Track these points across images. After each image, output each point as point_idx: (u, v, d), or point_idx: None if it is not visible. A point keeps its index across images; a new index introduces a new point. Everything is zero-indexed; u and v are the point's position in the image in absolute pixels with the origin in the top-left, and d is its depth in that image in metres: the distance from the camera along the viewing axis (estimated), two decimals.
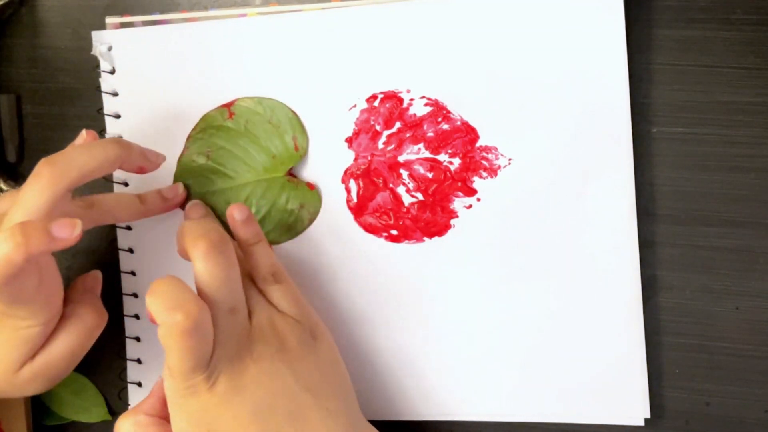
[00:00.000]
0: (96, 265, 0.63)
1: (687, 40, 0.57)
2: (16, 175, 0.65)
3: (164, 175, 0.61)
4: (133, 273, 0.62)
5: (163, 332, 0.46)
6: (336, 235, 0.59)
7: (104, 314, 0.56)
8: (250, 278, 0.55)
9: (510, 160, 0.57)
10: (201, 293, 0.49)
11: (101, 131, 0.62)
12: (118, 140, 0.54)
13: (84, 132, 0.56)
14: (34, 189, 0.49)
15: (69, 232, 0.46)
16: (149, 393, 0.55)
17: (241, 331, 0.50)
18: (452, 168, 0.58)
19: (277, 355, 0.51)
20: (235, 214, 0.55)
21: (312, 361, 0.52)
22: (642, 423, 0.57)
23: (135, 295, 0.62)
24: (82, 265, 0.64)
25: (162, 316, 0.46)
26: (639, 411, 0.56)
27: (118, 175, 0.62)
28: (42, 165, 0.50)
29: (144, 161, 0.55)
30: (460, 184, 0.58)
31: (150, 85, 0.62)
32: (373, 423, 0.57)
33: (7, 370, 0.52)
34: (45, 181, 0.50)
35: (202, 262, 0.49)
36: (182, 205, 0.60)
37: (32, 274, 0.49)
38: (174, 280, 0.48)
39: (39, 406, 0.63)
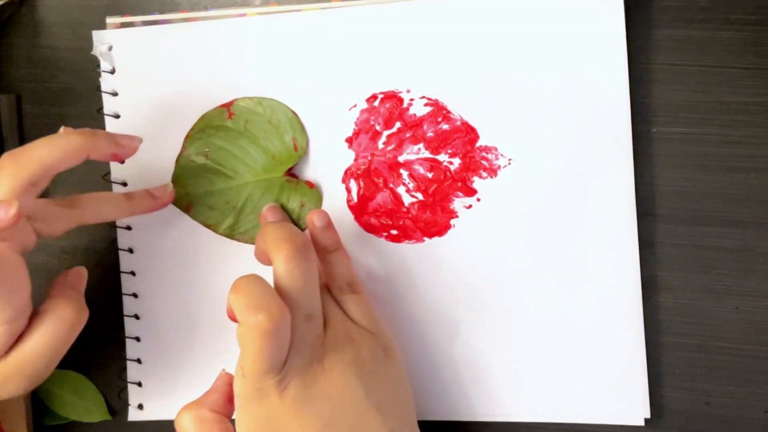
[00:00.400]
0: (96, 265, 0.63)
1: (687, 40, 0.57)
2: None
3: (163, 175, 0.61)
4: (132, 273, 0.62)
5: (243, 331, 0.46)
6: None
7: (84, 310, 0.53)
8: (325, 287, 0.55)
9: (510, 160, 0.57)
10: (280, 297, 0.48)
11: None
12: (83, 130, 0.53)
13: (62, 128, 0.55)
14: None
15: (2, 212, 0.46)
16: (212, 388, 0.53)
17: (315, 339, 0.50)
18: (452, 168, 0.58)
19: (350, 367, 0.50)
20: (315, 220, 0.55)
21: (383, 377, 0.51)
22: (642, 423, 0.57)
23: (135, 295, 0.62)
24: (81, 265, 0.63)
25: (244, 315, 0.46)
26: (639, 411, 0.56)
27: (116, 175, 0.62)
28: (4, 158, 0.50)
29: (116, 147, 0.55)
30: (460, 184, 0.58)
31: (150, 85, 0.62)
32: None
33: None
34: (5, 173, 0.49)
35: (284, 266, 0.49)
36: (184, 206, 0.60)
37: None
38: (258, 278, 0.48)
39: (39, 406, 0.63)
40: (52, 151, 0.51)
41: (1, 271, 0.49)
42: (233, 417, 0.51)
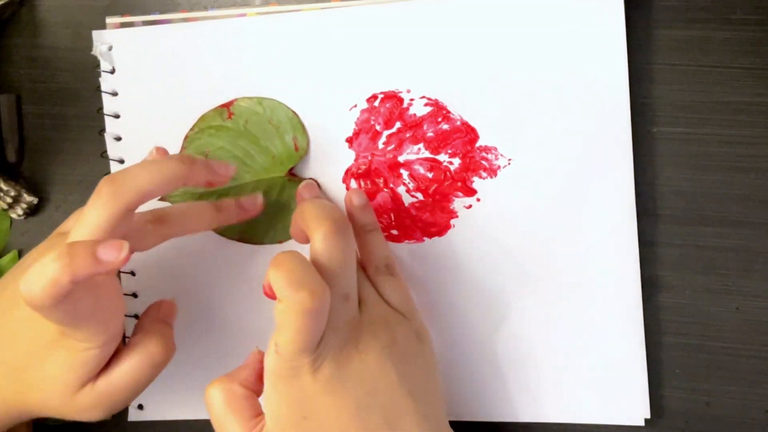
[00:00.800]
0: None
1: (687, 40, 0.57)
2: (16, 175, 0.65)
3: None
4: (132, 273, 0.62)
5: (283, 308, 0.45)
6: None
7: (172, 348, 0.54)
8: (362, 268, 0.54)
9: (510, 160, 0.57)
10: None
11: (101, 131, 0.62)
12: (182, 157, 0.52)
13: (154, 149, 0.55)
14: (94, 208, 0.49)
15: (115, 254, 0.45)
16: (244, 364, 0.52)
17: (351, 320, 0.49)
18: (452, 168, 0.58)
19: (385, 351, 0.49)
20: (354, 199, 0.54)
21: (416, 363, 0.51)
22: (642, 423, 0.57)
23: (134, 295, 0.62)
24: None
25: (285, 292, 0.45)
26: (639, 411, 0.56)
27: None
28: (102, 183, 0.49)
29: (211, 175, 0.53)
30: (459, 184, 0.58)
31: (150, 84, 0.62)
32: None
33: (64, 392, 0.51)
34: (103, 200, 0.48)
35: (323, 243, 0.48)
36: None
37: (87, 294, 0.47)
38: (299, 255, 0.46)
39: None
40: (150, 179, 0.50)
41: (102, 296, 0.49)
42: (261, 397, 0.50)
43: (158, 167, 0.50)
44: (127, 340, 0.56)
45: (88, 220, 0.48)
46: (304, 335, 0.45)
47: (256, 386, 0.51)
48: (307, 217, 0.49)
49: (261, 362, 0.51)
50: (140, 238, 0.53)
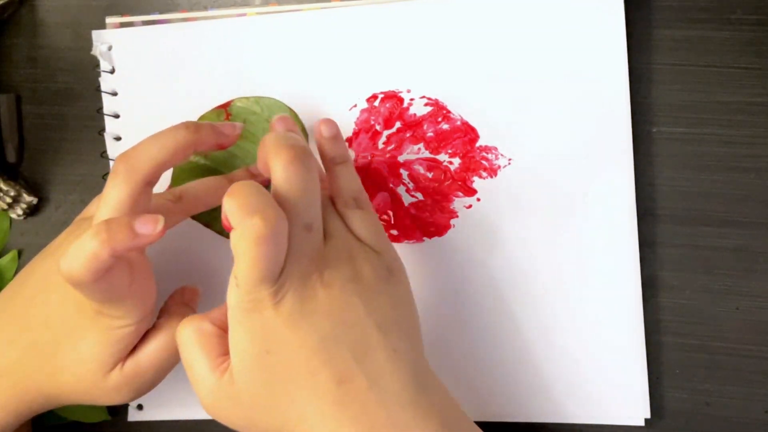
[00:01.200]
0: None
1: (687, 40, 0.57)
2: (16, 175, 0.65)
3: (164, 175, 0.61)
4: None
5: (238, 236, 0.44)
6: None
7: None
8: (331, 202, 0.53)
9: (510, 160, 0.57)
10: (278, 204, 0.46)
11: (101, 131, 0.62)
12: (187, 124, 0.52)
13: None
14: (113, 186, 0.49)
15: (152, 227, 0.46)
16: (220, 307, 0.51)
17: (314, 252, 0.48)
18: (452, 168, 0.58)
19: (350, 285, 0.48)
20: (323, 129, 0.53)
21: (386, 296, 0.49)
22: (642, 423, 0.57)
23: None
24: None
25: (238, 219, 0.44)
26: (639, 411, 0.56)
27: None
28: (117, 161, 0.50)
29: (219, 137, 0.54)
30: (459, 184, 0.58)
31: (149, 84, 0.62)
32: None
33: (97, 371, 0.51)
34: (121, 176, 0.49)
35: (283, 172, 0.47)
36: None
37: (123, 271, 0.48)
38: (255, 184, 0.46)
39: None
40: (163, 148, 0.51)
41: (137, 274, 0.50)
42: None
43: (166, 136, 0.51)
44: None
45: (110, 199, 0.49)
46: (260, 264, 0.44)
47: (227, 325, 0.49)
48: (268, 146, 0.48)
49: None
50: (164, 216, 0.52)
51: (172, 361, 0.53)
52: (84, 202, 0.62)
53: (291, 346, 0.46)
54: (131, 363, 0.52)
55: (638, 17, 0.57)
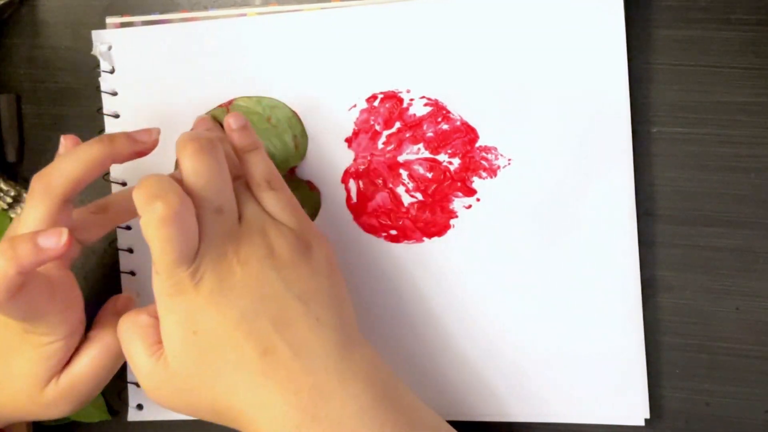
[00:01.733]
0: (96, 265, 0.63)
1: (687, 40, 0.57)
2: (16, 175, 0.65)
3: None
4: (132, 273, 0.62)
5: (144, 222, 0.46)
6: (336, 235, 0.59)
7: None
8: (246, 185, 0.54)
9: (510, 160, 0.57)
10: (187, 192, 0.48)
11: (101, 131, 0.62)
12: (101, 137, 0.53)
13: (62, 139, 0.56)
14: (30, 206, 0.51)
15: (55, 241, 0.47)
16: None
17: (228, 233, 0.50)
18: (452, 168, 0.58)
19: (266, 261, 0.50)
20: (231, 122, 0.53)
21: (305, 269, 0.51)
22: (642, 423, 0.57)
23: (136, 295, 0.62)
24: (82, 265, 0.64)
25: (142, 207, 0.46)
26: (639, 411, 0.56)
27: (116, 175, 0.62)
28: (33, 181, 0.51)
29: (135, 145, 0.55)
30: (459, 184, 0.58)
31: (149, 84, 0.62)
32: None
33: (32, 387, 0.52)
34: (37, 196, 0.51)
35: (189, 162, 0.49)
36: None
37: (41, 287, 0.49)
38: (160, 175, 0.48)
39: None
40: (78, 164, 0.52)
41: (56, 289, 0.51)
42: None
43: (81, 152, 0.52)
44: None
45: (27, 219, 0.51)
46: (169, 246, 0.46)
47: None
48: (177, 143, 0.50)
49: None
50: (85, 229, 0.55)
51: (107, 371, 0.54)
52: (83, 202, 0.62)
53: (214, 323, 0.48)
54: (66, 377, 0.53)
55: (638, 17, 0.57)
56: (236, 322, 0.48)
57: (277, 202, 0.53)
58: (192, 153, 0.49)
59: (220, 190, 0.50)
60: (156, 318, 0.50)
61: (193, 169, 0.49)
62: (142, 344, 0.50)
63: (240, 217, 0.51)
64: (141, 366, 0.50)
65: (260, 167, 0.53)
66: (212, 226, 0.49)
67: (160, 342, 0.50)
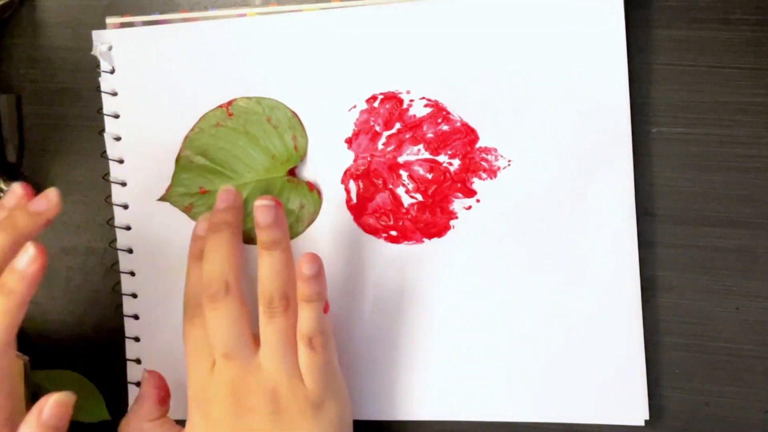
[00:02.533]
0: (95, 265, 0.63)
1: (687, 40, 0.57)
2: (16, 175, 0.65)
3: (162, 176, 0.61)
4: (132, 273, 0.62)
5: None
6: (335, 235, 0.59)
7: None
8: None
9: (510, 161, 0.57)
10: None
11: (101, 131, 0.62)
12: (2, 225, 0.51)
13: (14, 187, 0.54)
14: None
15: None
16: (139, 395, 0.57)
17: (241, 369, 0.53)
18: (452, 169, 0.58)
19: (273, 415, 0.52)
20: (303, 268, 0.53)
21: (307, 431, 0.52)
22: (642, 423, 0.57)
23: (134, 296, 0.62)
24: (81, 265, 0.64)
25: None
26: (638, 411, 0.56)
27: (116, 175, 0.62)
28: None
29: (40, 219, 0.52)
30: (459, 185, 0.58)
31: (149, 84, 0.62)
32: (372, 423, 0.57)
33: None
34: None
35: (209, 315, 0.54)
36: (184, 207, 0.60)
37: None
38: None
39: None
40: None
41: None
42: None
43: None
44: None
45: None
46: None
47: (160, 412, 0.56)
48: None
49: (156, 387, 0.56)
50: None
51: None
52: (84, 203, 0.63)
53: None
54: None
55: (638, 17, 0.57)
56: None
57: (309, 363, 0.53)
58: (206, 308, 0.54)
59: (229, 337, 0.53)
60: (157, 419, 0.56)
61: (186, 334, 0.56)
62: None
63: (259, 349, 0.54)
64: None
65: (310, 323, 0.53)
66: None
67: None
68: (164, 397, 0.57)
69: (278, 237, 0.54)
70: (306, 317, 0.53)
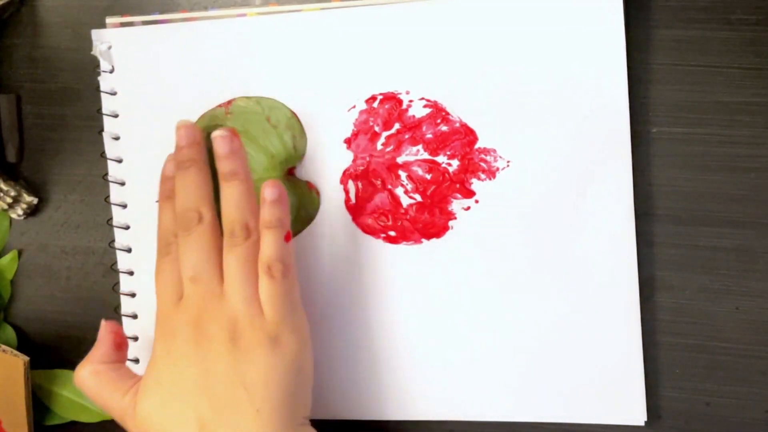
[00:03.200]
0: (95, 265, 0.63)
1: (687, 40, 0.57)
2: (17, 175, 0.65)
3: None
4: (130, 273, 0.62)
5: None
6: (334, 235, 0.59)
7: None
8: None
9: (509, 162, 0.57)
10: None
11: (101, 131, 0.62)
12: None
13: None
14: None
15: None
16: (98, 340, 0.57)
17: (203, 297, 0.53)
18: (451, 170, 0.58)
19: (227, 343, 0.52)
20: (265, 192, 0.54)
21: (263, 360, 0.52)
22: (642, 423, 0.57)
23: (132, 295, 0.62)
24: (81, 265, 0.64)
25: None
26: (637, 412, 0.56)
27: (115, 175, 0.62)
28: None
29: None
30: (458, 185, 0.58)
31: (149, 84, 0.62)
32: (372, 423, 0.57)
33: None
34: None
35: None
36: None
37: None
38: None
39: (39, 406, 0.63)
40: None
41: None
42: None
43: None
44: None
45: None
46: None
47: (116, 356, 0.57)
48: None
49: (113, 333, 0.57)
50: None
51: None
52: (84, 202, 0.63)
53: (174, 378, 0.53)
54: None
55: (638, 17, 0.57)
56: (188, 388, 0.52)
57: (267, 290, 0.53)
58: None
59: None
60: (113, 362, 0.57)
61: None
62: (113, 389, 0.55)
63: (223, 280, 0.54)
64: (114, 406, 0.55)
65: (269, 250, 0.54)
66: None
67: (129, 379, 0.56)
68: (120, 343, 0.57)
69: (236, 167, 0.55)
70: (266, 244, 0.54)
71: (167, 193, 0.57)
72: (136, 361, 0.62)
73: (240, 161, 0.55)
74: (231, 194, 0.54)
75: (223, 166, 0.55)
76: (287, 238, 0.54)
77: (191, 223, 0.54)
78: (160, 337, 0.54)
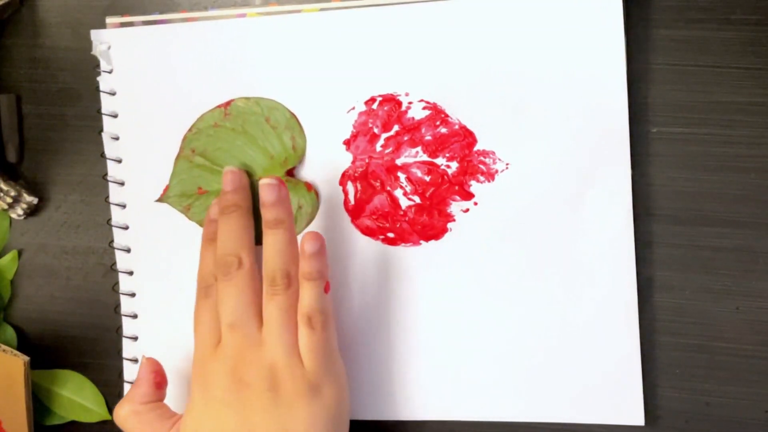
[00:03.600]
0: (94, 265, 0.63)
1: (687, 40, 0.57)
2: (17, 175, 0.65)
3: (161, 175, 0.61)
4: (130, 273, 0.62)
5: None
6: (333, 237, 0.59)
7: None
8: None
9: (507, 164, 0.57)
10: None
11: (101, 131, 0.62)
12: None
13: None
14: None
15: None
16: (137, 378, 0.57)
17: (242, 344, 0.53)
18: (450, 172, 0.58)
19: (268, 393, 0.52)
20: (305, 245, 0.54)
21: (303, 411, 0.52)
22: (641, 423, 0.57)
23: (132, 295, 0.62)
24: (80, 265, 0.64)
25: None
26: (636, 412, 0.56)
27: (115, 175, 0.62)
28: None
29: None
30: (457, 187, 0.58)
31: (148, 84, 0.62)
32: (372, 423, 0.57)
33: None
34: None
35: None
36: (182, 207, 0.61)
37: None
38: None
39: (39, 406, 0.64)
40: None
41: None
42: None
43: None
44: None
45: None
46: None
47: (156, 396, 0.57)
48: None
49: (153, 372, 0.57)
50: None
51: None
52: (84, 202, 0.63)
53: (216, 424, 0.53)
54: None
55: (637, 17, 0.57)
56: None
57: (308, 342, 0.53)
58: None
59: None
60: (152, 402, 0.57)
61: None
62: (155, 429, 0.56)
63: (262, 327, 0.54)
64: None
65: (309, 301, 0.54)
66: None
67: (169, 418, 0.56)
68: (160, 382, 0.57)
69: (282, 216, 0.55)
70: (306, 295, 0.54)
71: (210, 236, 0.57)
72: (135, 360, 0.62)
73: (286, 210, 0.55)
74: (274, 242, 0.55)
75: (268, 214, 0.55)
76: (326, 289, 0.55)
77: (231, 268, 0.54)
78: (198, 382, 0.54)
